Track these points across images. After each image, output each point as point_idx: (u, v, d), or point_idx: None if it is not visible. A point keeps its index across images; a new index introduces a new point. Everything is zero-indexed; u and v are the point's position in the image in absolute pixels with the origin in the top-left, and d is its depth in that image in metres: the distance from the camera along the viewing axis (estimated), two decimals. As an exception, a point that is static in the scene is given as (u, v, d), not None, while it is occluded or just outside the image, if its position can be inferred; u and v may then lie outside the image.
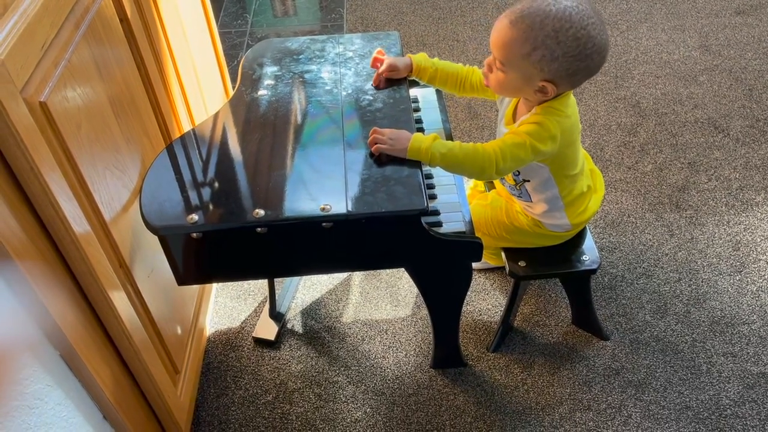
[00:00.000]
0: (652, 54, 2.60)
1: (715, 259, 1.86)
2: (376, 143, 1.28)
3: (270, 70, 1.52)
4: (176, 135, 1.48)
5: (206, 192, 1.26)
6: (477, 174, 1.34)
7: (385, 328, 1.75)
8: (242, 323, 1.78)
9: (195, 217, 1.19)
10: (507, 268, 1.56)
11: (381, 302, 1.81)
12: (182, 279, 1.30)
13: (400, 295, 1.82)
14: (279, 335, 1.74)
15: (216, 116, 1.42)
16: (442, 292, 1.42)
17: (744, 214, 1.98)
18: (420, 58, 1.50)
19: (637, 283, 1.82)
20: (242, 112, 1.42)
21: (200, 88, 1.71)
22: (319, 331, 1.75)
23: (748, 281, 1.80)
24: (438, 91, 1.68)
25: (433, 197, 1.42)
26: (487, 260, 1.79)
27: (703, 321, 1.72)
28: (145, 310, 1.28)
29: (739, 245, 1.89)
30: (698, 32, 2.70)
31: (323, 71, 1.51)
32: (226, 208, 1.22)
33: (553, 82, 1.27)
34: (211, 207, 1.23)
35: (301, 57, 1.56)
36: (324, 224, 1.21)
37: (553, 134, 1.31)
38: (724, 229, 1.94)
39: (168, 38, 1.47)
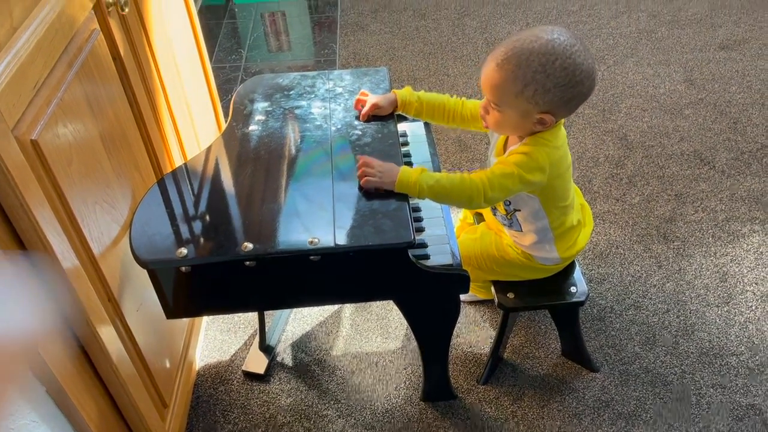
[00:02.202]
0: (639, 88, 2.66)
1: (702, 291, 1.88)
2: (365, 175, 1.30)
3: (261, 105, 1.55)
4: (168, 169, 1.50)
5: (196, 226, 1.28)
6: (465, 203, 1.36)
7: (375, 360, 1.75)
8: (232, 356, 1.78)
9: (184, 250, 1.21)
10: (496, 300, 1.57)
11: (371, 334, 1.81)
12: (171, 313, 1.31)
13: (390, 327, 1.83)
14: (269, 368, 1.73)
15: (206, 151, 1.44)
16: (431, 324, 1.43)
17: (731, 246, 2.00)
18: (404, 93, 1.53)
19: (626, 315, 1.83)
20: (233, 147, 1.44)
21: (193, 123, 1.73)
22: (309, 364, 1.75)
23: (735, 312, 1.82)
24: (426, 125, 1.71)
25: (420, 230, 1.44)
26: (476, 293, 1.80)
27: (692, 352, 1.73)
28: (134, 345, 1.28)
29: (727, 276, 1.91)
30: (683, 67, 2.75)
31: (313, 107, 1.54)
32: (215, 241, 1.24)
33: (550, 112, 1.30)
34: (200, 240, 1.24)
35: (291, 93, 1.59)
36: (312, 257, 1.22)
37: (542, 165, 1.33)
38: (712, 260, 1.96)
39: (161, 75, 1.50)
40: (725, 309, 1.83)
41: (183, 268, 1.22)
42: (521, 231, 1.51)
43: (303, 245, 1.21)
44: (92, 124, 1.14)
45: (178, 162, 1.59)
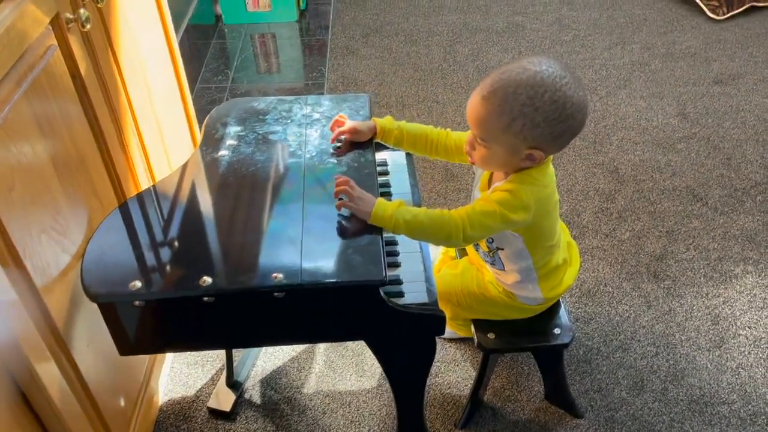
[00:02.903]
0: (631, 120, 2.60)
1: (693, 333, 1.80)
2: (343, 196, 1.22)
3: (233, 129, 1.48)
4: (132, 194, 1.42)
5: (154, 256, 1.19)
6: (443, 241, 1.29)
7: (349, 400, 1.66)
8: (197, 392, 1.68)
9: (138, 283, 1.12)
10: (475, 340, 1.48)
11: (345, 372, 1.72)
12: (124, 349, 1.22)
13: (366, 364, 1.74)
14: (235, 406, 1.64)
15: (172, 177, 1.36)
16: (404, 366, 1.34)
17: (723, 286, 1.92)
18: (384, 121, 1.46)
19: (613, 357, 1.75)
20: (200, 173, 1.37)
21: (165, 146, 1.66)
22: (278, 403, 1.65)
23: (727, 357, 1.74)
24: (408, 155, 1.64)
25: (395, 265, 1.36)
26: (457, 330, 1.72)
27: (682, 399, 1.65)
28: (81, 382, 1.19)
29: (719, 319, 1.83)
30: (677, 100, 2.71)
31: (288, 132, 1.47)
32: (172, 274, 1.16)
33: (539, 147, 1.23)
34: (156, 273, 1.16)
35: (267, 117, 1.52)
36: (276, 294, 1.14)
37: (526, 204, 1.26)
38: (703, 301, 1.88)
39: (128, 95, 1.43)
40: (717, 354, 1.75)
41: (136, 303, 1.13)
42: (503, 270, 1.43)
43: (266, 281, 1.13)
44: (42, 146, 1.07)
45: (146, 187, 1.51)
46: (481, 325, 1.50)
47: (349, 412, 1.63)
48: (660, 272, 1.97)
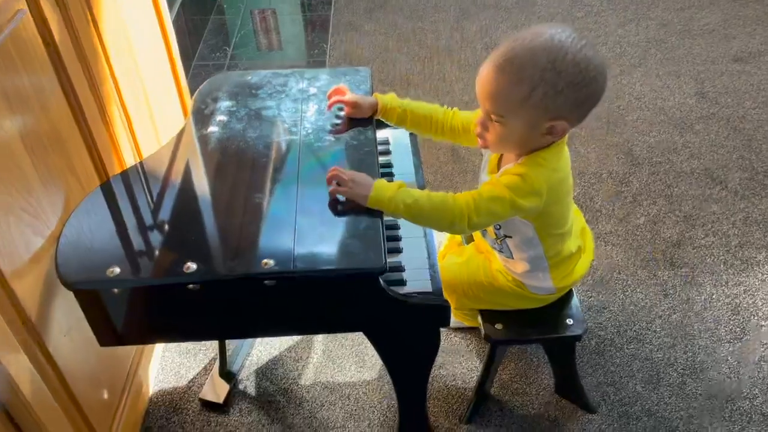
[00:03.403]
0: (647, 100, 2.48)
1: (712, 324, 1.70)
2: (335, 184, 1.13)
3: (224, 104, 1.38)
4: (116, 172, 1.33)
5: (135, 240, 1.10)
6: (446, 227, 1.19)
7: (348, 392, 1.57)
8: (189, 382, 1.60)
9: (116, 269, 1.03)
10: (482, 331, 1.39)
11: (345, 362, 1.63)
12: (105, 340, 1.13)
13: (366, 354, 1.65)
14: (229, 397, 1.56)
15: (157, 155, 1.27)
16: (406, 360, 1.25)
17: (744, 274, 1.82)
18: (387, 98, 1.36)
19: (627, 349, 1.65)
20: (188, 151, 1.27)
21: (153, 120, 1.56)
22: (273, 394, 1.57)
23: (748, 350, 1.64)
24: (412, 134, 1.54)
25: (397, 251, 1.26)
26: (462, 320, 1.62)
27: (700, 394, 1.55)
28: (57, 374, 1.10)
29: (739, 309, 1.73)
30: (694, 79, 2.59)
31: (283, 108, 1.37)
32: (154, 259, 1.06)
33: (562, 117, 1.12)
34: (137, 258, 1.07)
35: (260, 92, 1.42)
36: (266, 282, 1.05)
37: (537, 189, 1.16)
38: (723, 290, 1.78)
39: (111, 65, 1.33)
40: (737, 346, 1.65)
41: (115, 290, 1.05)
42: (512, 258, 1.33)
43: (255, 268, 1.04)
44: (10, 120, 0.98)
45: (130, 163, 1.42)
46: (489, 315, 1.41)
47: (348, 405, 1.55)
48: (677, 259, 1.87)
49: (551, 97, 1.10)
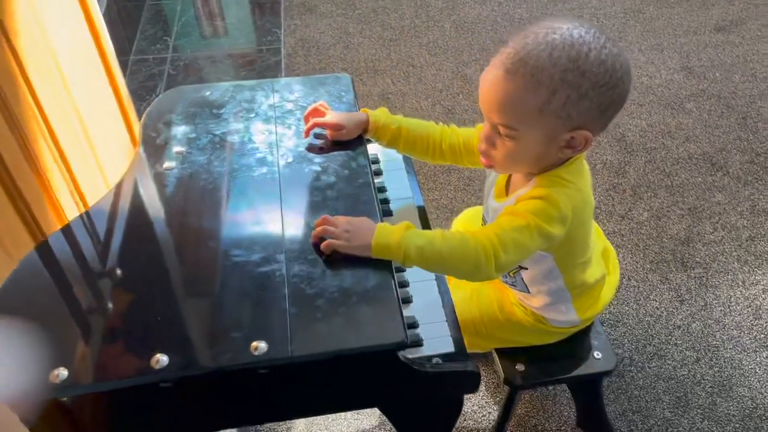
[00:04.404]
0: (632, 78, 2.31)
1: (735, 331, 1.57)
2: (326, 237, 0.92)
3: (180, 130, 1.13)
4: (54, 229, 1.08)
5: (86, 327, 0.86)
6: (470, 274, 0.98)
7: (347, 446, 1.38)
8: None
9: (63, 372, 0.80)
10: (501, 375, 1.21)
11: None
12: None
13: (362, 397, 1.45)
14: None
15: (105, 202, 1.02)
16: (424, 430, 1.06)
17: (760, 271, 1.69)
18: (379, 113, 1.13)
19: (649, 367, 1.50)
20: (142, 197, 1.03)
21: (94, 153, 1.30)
22: (261, 456, 1.36)
23: (777, 359, 1.51)
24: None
25: (407, 301, 1.06)
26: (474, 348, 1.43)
27: (734, 415, 1.42)
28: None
29: (761, 312, 1.60)
30: (678, 52, 2.43)
31: (254, 131, 1.13)
32: (112, 353, 0.83)
33: (585, 127, 0.93)
34: (89, 353, 0.83)
35: (222, 111, 1.17)
36: (260, 371, 0.83)
37: (563, 213, 0.96)
38: (740, 291, 1.65)
39: (32, 87, 1.07)
40: (764, 355, 1.52)
41: (63, 399, 0.81)
42: (528, 292, 1.15)
43: (243, 355, 0.82)
44: None
45: (72, 215, 1.16)
46: (506, 353, 1.23)
47: (348, 462, 1.35)
48: (688, 258, 1.72)
49: (574, 102, 0.90)
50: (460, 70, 2.35)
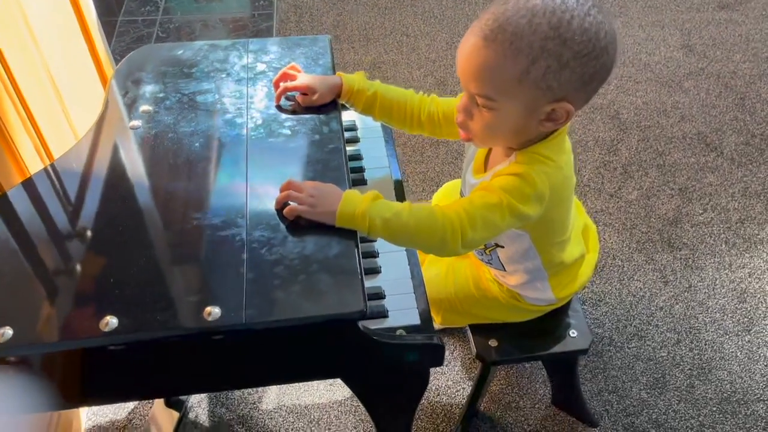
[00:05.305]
0: (630, 54, 2.27)
1: (718, 314, 1.54)
2: (290, 202, 0.89)
3: (149, 89, 1.10)
4: (13, 184, 1.05)
5: (34, 285, 0.84)
6: (436, 248, 0.95)
7: (317, 416, 1.36)
8: (130, 413, 1.36)
9: (7, 331, 0.77)
10: (474, 350, 1.19)
11: (313, 381, 1.42)
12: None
13: (336, 369, 1.43)
14: (178, 429, 1.33)
15: (64, 159, 0.99)
16: (389, 403, 1.04)
17: (747, 255, 1.66)
18: (354, 77, 1.09)
19: (628, 347, 1.48)
20: (103, 155, 1.00)
21: (64, 109, 1.26)
22: (230, 423, 1.35)
23: (759, 343, 1.49)
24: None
25: (375, 271, 1.03)
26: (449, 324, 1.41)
27: (711, 398, 1.40)
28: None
29: (745, 295, 1.58)
30: (679, 29, 2.37)
31: (224, 92, 1.10)
32: (60, 312, 0.81)
33: (566, 99, 0.88)
34: (36, 312, 0.81)
35: (194, 71, 1.14)
36: (213, 337, 0.81)
37: (540, 191, 0.93)
38: (726, 274, 1.62)
39: (-5, 44, 1.03)
40: (746, 339, 1.50)
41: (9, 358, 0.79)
42: (504, 270, 1.12)
43: (195, 320, 0.79)
44: None
45: (36, 169, 1.13)
46: (479, 328, 1.20)
47: (318, 433, 1.34)
48: (675, 239, 1.69)
49: (554, 72, 0.85)
50: (454, 41, 2.30)
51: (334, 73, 1.13)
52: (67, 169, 0.98)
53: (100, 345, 0.79)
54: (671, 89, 2.13)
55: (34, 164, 1.12)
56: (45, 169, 0.97)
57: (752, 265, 1.64)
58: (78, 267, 0.85)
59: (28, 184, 0.96)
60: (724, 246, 1.68)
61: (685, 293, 1.58)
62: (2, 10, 1.06)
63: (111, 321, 0.79)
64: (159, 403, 1.36)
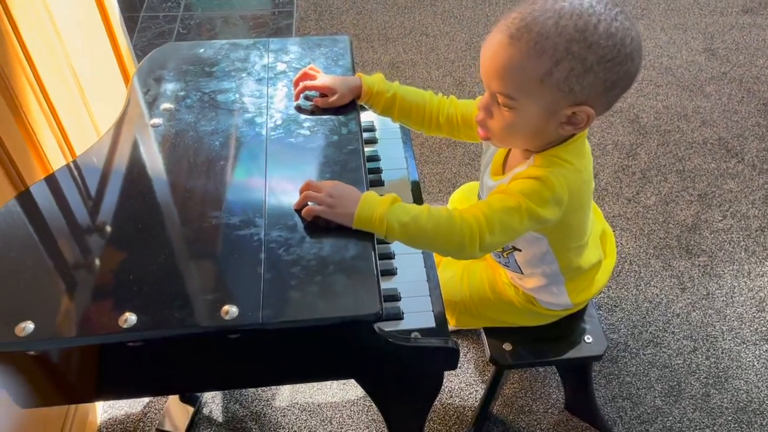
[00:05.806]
0: (652, 58, 2.25)
1: (736, 323, 1.53)
2: (309, 203, 0.89)
3: (170, 87, 1.11)
4: (38, 179, 1.06)
5: (56, 281, 0.85)
6: (454, 252, 0.95)
7: (330, 415, 1.37)
8: (145, 407, 1.38)
9: (29, 325, 0.79)
10: (487, 353, 1.19)
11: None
12: (25, 402, 0.89)
13: (350, 368, 1.44)
14: (192, 425, 1.34)
15: (86, 156, 1.00)
16: (403, 406, 1.04)
17: (767, 263, 1.64)
18: (373, 79, 1.09)
19: (643, 354, 1.47)
20: (124, 152, 1.01)
21: (87, 105, 1.28)
22: (243, 420, 1.36)
23: (777, 353, 1.47)
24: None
25: (390, 273, 1.03)
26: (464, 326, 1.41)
27: (727, 407, 1.39)
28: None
29: (764, 304, 1.56)
30: (702, 33, 2.35)
31: (244, 91, 1.10)
32: (80, 309, 0.82)
33: (587, 103, 0.88)
34: (57, 307, 0.82)
35: (215, 69, 1.14)
36: (230, 335, 0.82)
37: (558, 195, 0.92)
38: (745, 282, 1.60)
39: (20, 35, 1.04)
40: (764, 348, 1.48)
41: (31, 351, 0.80)
42: (521, 273, 1.12)
43: (212, 319, 0.80)
44: None
45: (58, 166, 1.14)
46: (494, 332, 1.20)
47: (330, 430, 1.34)
48: (693, 245, 1.68)
49: (578, 75, 0.85)
50: (474, 42, 2.29)
51: (354, 73, 1.13)
52: (88, 165, 0.99)
53: (119, 341, 0.80)
54: (692, 93, 2.11)
55: (56, 160, 1.13)
56: (67, 165, 0.99)
57: (772, 273, 1.62)
58: (98, 263, 0.86)
59: (51, 180, 0.97)
60: (743, 253, 1.66)
61: (703, 300, 1.57)
62: (27, 6, 1.07)
63: (130, 318, 0.80)
64: (174, 398, 1.37)
